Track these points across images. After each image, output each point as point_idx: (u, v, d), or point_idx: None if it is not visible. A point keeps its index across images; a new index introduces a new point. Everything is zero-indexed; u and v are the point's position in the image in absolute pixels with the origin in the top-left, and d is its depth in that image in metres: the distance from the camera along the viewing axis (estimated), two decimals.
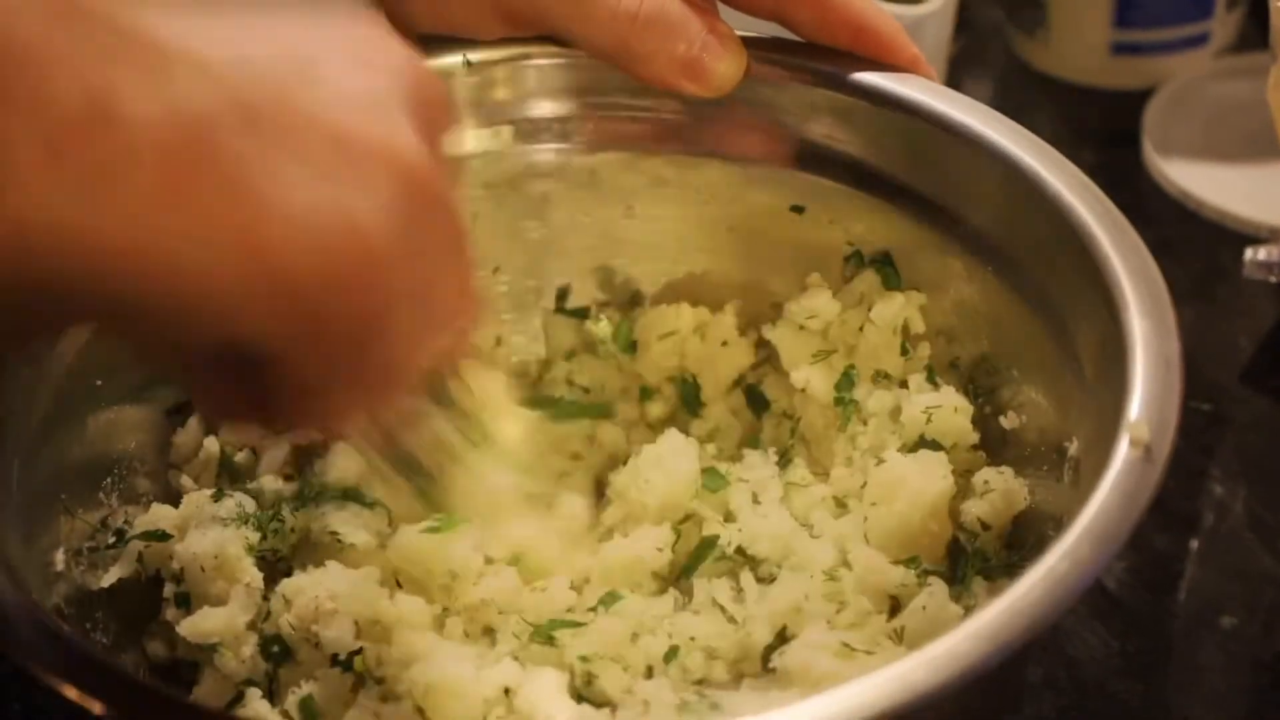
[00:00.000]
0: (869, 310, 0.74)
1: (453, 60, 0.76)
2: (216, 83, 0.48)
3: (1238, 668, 0.77)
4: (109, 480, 0.71)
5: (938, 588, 0.67)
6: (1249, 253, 0.90)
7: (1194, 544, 0.82)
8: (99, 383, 0.70)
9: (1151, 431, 0.58)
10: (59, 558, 0.67)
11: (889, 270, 0.75)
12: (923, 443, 0.71)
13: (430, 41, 0.76)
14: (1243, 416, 0.87)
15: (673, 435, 0.74)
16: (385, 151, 0.50)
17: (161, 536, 0.70)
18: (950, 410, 0.72)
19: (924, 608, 0.66)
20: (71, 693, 0.54)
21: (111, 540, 0.70)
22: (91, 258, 0.47)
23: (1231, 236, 0.96)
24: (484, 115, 0.77)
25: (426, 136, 0.52)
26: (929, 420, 0.71)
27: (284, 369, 0.52)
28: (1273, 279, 0.89)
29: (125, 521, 0.71)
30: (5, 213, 0.45)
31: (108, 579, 0.68)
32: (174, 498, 0.73)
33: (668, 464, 0.73)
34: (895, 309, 0.74)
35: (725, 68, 0.72)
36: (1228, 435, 0.86)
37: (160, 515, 0.71)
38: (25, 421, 0.67)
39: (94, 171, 0.46)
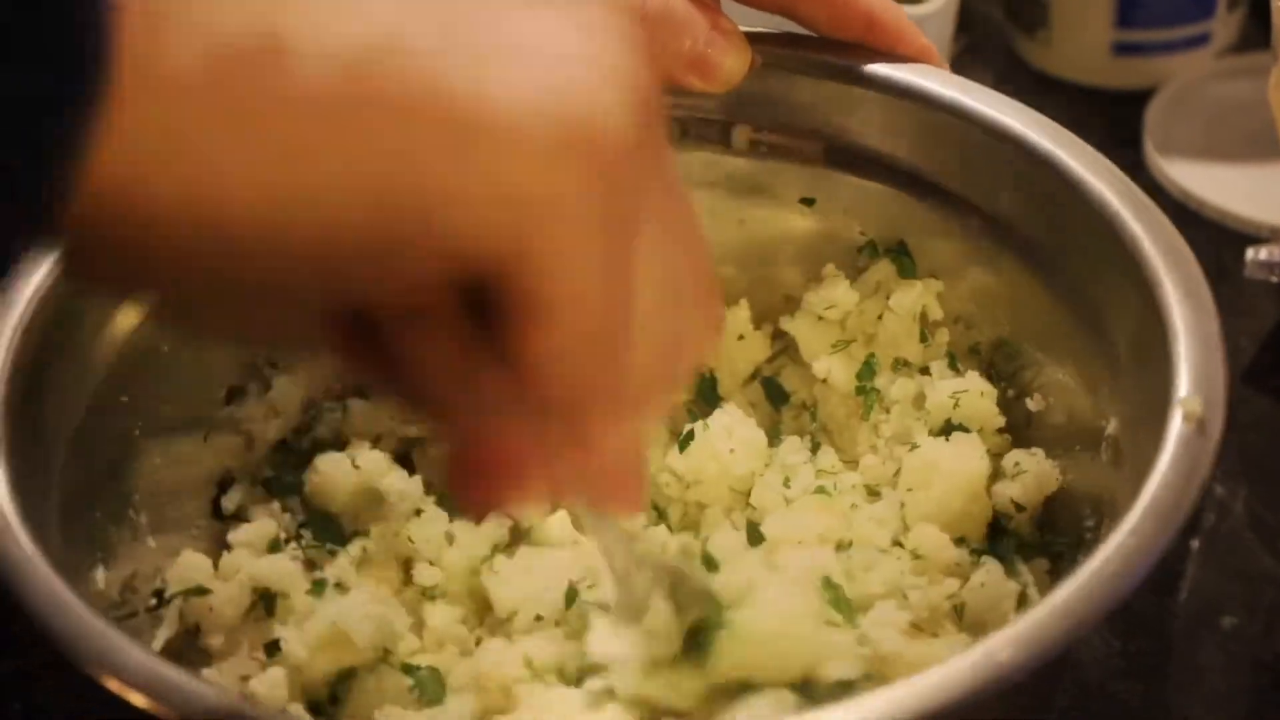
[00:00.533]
0: (887, 299, 0.74)
1: None
2: (410, 6, 0.43)
3: (1238, 668, 0.77)
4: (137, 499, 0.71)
5: (992, 565, 0.67)
6: (1250, 253, 0.90)
7: (1194, 544, 0.82)
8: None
9: (1203, 407, 0.58)
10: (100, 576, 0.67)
11: (905, 259, 0.75)
12: (949, 428, 0.72)
13: None
14: (1244, 416, 0.87)
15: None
16: (612, 74, 0.45)
17: (200, 591, 0.69)
18: (976, 394, 0.72)
19: (982, 584, 0.66)
20: (113, 684, 0.54)
21: (152, 603, 0.69)
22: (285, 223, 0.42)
23: (1233, 236, 0.96)
24: None
25: (650, 79, 0.47)
26: (956, 405, 0.71)
27: (534, 306, 0.45)
28: (1274, 279, 0.89)
29: (158, 571, 0.70)
30: (184, 172, 0.41)
31: (156, 643, 0.68)
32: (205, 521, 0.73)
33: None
34: (913, 297, 0.74)
35: (731, 62, 0.72)
36: (1229, 435, 0.86)
37: (193, 566, 0.70)
38: (69, 420, 0.67)
39: (255, 109, 0.41)
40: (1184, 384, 0.59)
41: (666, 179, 0.48)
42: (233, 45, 0.41)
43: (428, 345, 0.47)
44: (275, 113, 0.42)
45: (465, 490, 0.50)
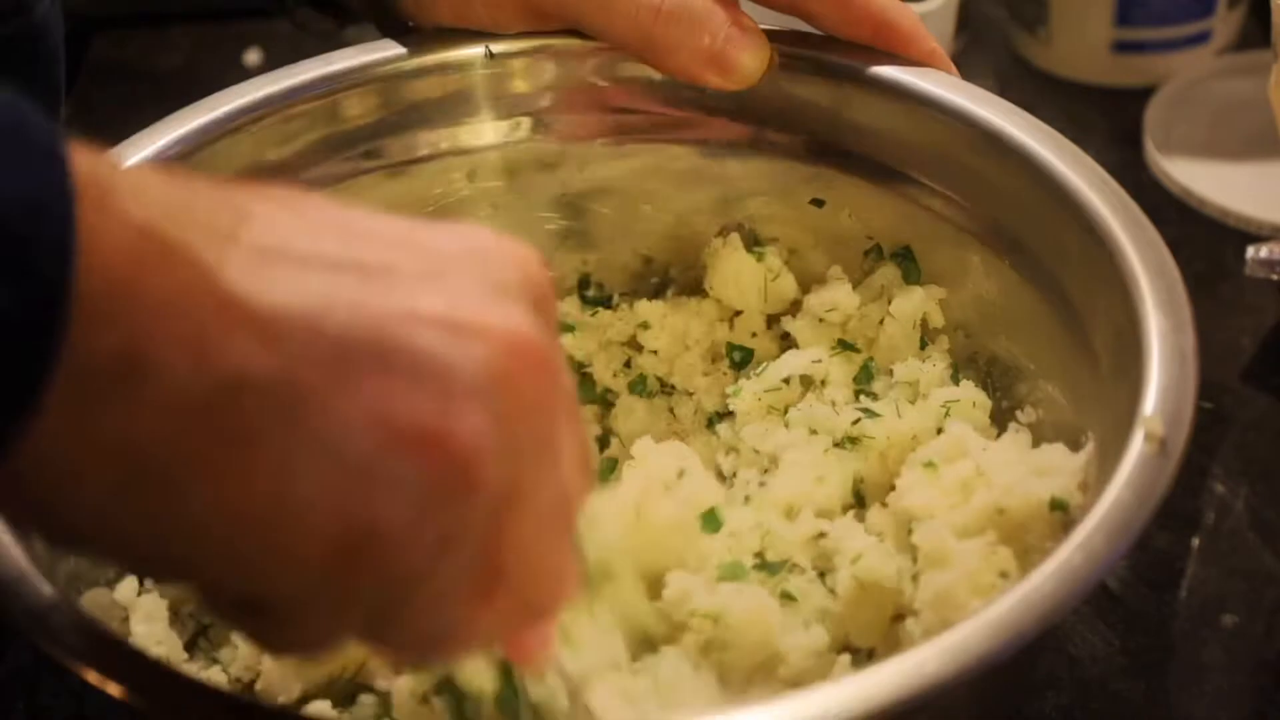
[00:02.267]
0: (889, 303, 0.74)
1: (474, 52, 0.76)
2: (268, 343, 0.45)
3: (1239, 666, 0.77)
4: None
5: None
6: (1251, 251, 0.90)
7: (1195, 542, 0.82)
8: None
9: (1166, 426, 0.58)
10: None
11: (909, 264, 0.75)
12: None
13: (452, 34, 0.76)
14: (1244, 415, 0.87)
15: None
16: (423, 433, 0.47)
17: None
18: (968, 405, 0.72)
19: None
20: (92, 676, 0.54)
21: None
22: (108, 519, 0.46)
23: (1233, 235, 0.96)
24: (504, 107, 0.77)
25: (507, 411, 0.48)
26: (947, 414, 0.71)
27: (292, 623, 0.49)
28: (1275, 277, 0.89)
29: None
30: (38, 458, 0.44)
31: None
32: None
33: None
34: (915, 303, 0.74)
35: (750, 60, 0.72)
36: (1229, 434, 0.86)
37: None
38: None
39: (117, 426, 0.44)
40: (1151, 402, 0.59)
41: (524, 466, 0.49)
42: (101, 372, 0.43)
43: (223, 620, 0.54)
44: (114, 458, 0.44)
45: None
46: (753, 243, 0.78)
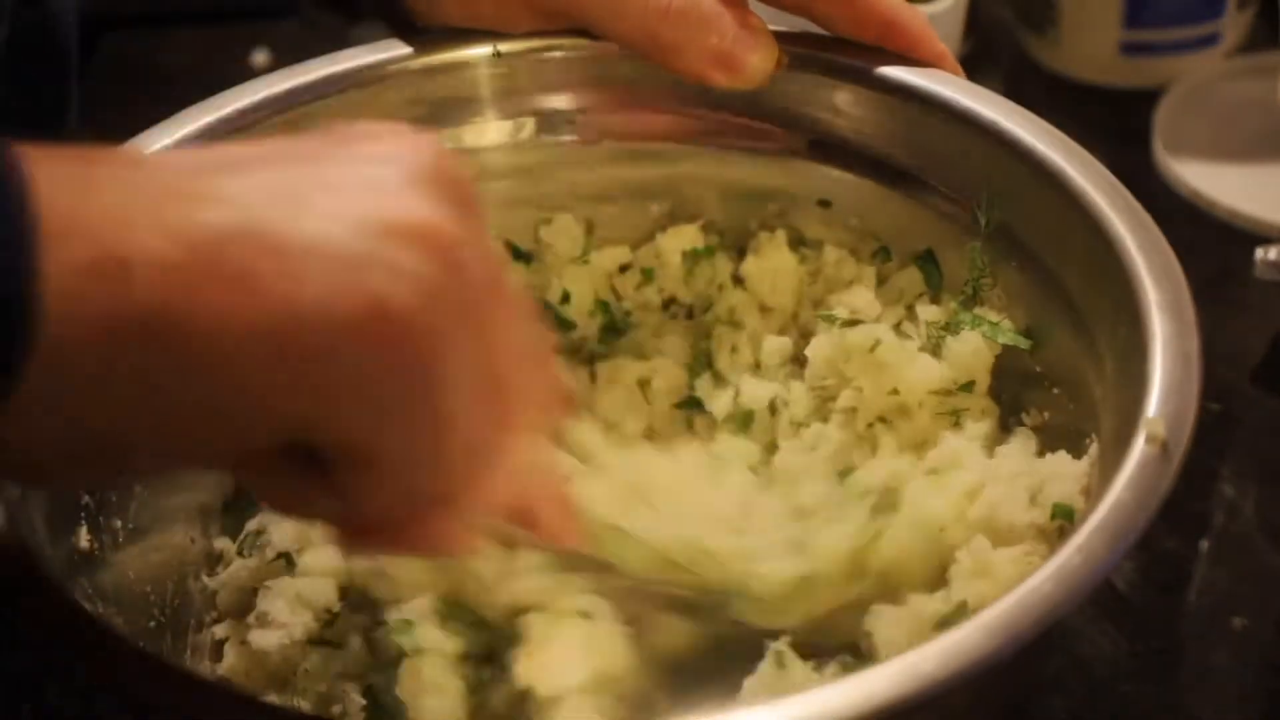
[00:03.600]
0: (908, 308, 0.74)
1: (481, 51, 0.76)
2: (226, 203, 0.48)
3: (1248, 669, 0.77)
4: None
5: None
6: (1260, 253, 0.90)
7: (1204, 545, 0.82)
8: None
9: (1168, 429, 0.58)
10: (82, 535, 0.67)
11: (930, 267, 0.75)
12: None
13: (460, 34, 0.76)
14: (1253, 417, 0.87)
15: None
16: (406, 222, 0.50)
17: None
18: (976, 411, 0.72)
19: None
20: (94, 673, 0.54)
21: None
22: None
23: (1242, 237, 0.96)
24: (510, 107, 0.77)
25: (455, 205, 0.51)
26: (955, 422, 0.71)
27: (355, 459, 0.51)
28: None
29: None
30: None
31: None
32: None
33: None
34: (933, 315, 0.74)
35: (758, 60, 0.72)
36: (1238, 436, 0.86)
37: None
38: None
39: (109, 309, 0.47)
40: (1153, 404, 0.59)
41: (478, 298, 0.51)
42: (84, 272, 0.46)
43: (269, 486, 0.54)
44: (116, 343, 0.47)
45: (345, 545, 0.59)
46: (798, 244, 0.78)
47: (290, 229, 0.48)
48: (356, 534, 0.55)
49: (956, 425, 0.72)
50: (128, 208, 0.47)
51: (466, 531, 0.56)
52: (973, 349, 0.72)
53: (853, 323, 0.74)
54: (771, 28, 0.73)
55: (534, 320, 0.56)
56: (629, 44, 0.73)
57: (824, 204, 0.77)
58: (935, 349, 0.73)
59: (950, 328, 0.73)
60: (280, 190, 0.49)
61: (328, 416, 0.49)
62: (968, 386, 0.72)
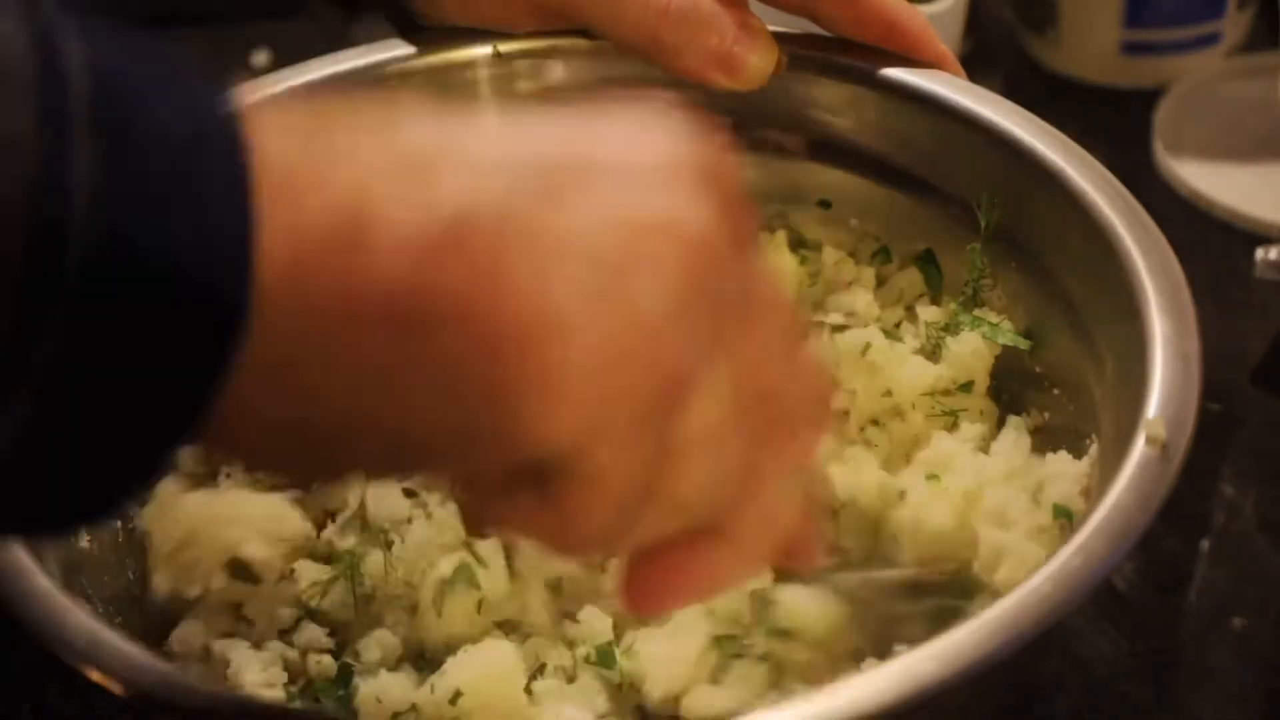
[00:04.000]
0: (907, 309, 0.74)
1: (481, 51, 0.76)
2: (479, 180, 0.44)
3: (1249, 669, 0.77)
4: None
5: None
6: (1260, 253, 0.90)
7: (1205, 545, 0.81)
8: None
9: (1168, 430, 0.58)
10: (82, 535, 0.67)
11: (930, 268, 0.75)
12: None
13: (460, 34, 0.76)
14: (1254, 417, 0.87)
15: None
16: (666, 227, 0.45)
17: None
18: (975, 413, 0.72)
19: None
20: (95, 675, 0.54)
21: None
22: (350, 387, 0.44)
23: (1243, 237, 0.96)
24: (511, 107, 0.77)
25: (720, 208, 0.47)
26: (955, 423, 0.71)
27: (589, 478, 0.46)
28: None
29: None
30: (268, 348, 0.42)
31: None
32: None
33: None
34: (933, 315, 0.74)
35: (758, 60, 0.72)
36: (1239, 436, 0.86)
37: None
38: None
39: (344, 284, 0.43)
40: (1153, 405, 0.59)
41: (739, 310, 0.48)
42: (317, 240, 0.43)
43: (489, 504, 0.49)
44: (350, 326, 0.43)
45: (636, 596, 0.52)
46: (798, 245, 0.78)
47: (545, 222, 0.44)
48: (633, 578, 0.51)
49: (954, 427, 0.72)
50: (367, 171, 0.43)
51: (738, 564, 0.52)
52: (972, 349, 0.72)
53: (842, 328, 0.74)
54: (772, 28, 0.73)
55: (804, 332, 0.52)
56: (629, 45, 0.73)
57: (824, 204, 0.77)
58: (935, 350, 0.73)
59: (950, 328, 0.72)
60: (535, 173, 0.45)
61: (570, 442, 0.45)
62: (966, 387, 0.72)
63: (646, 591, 0.51)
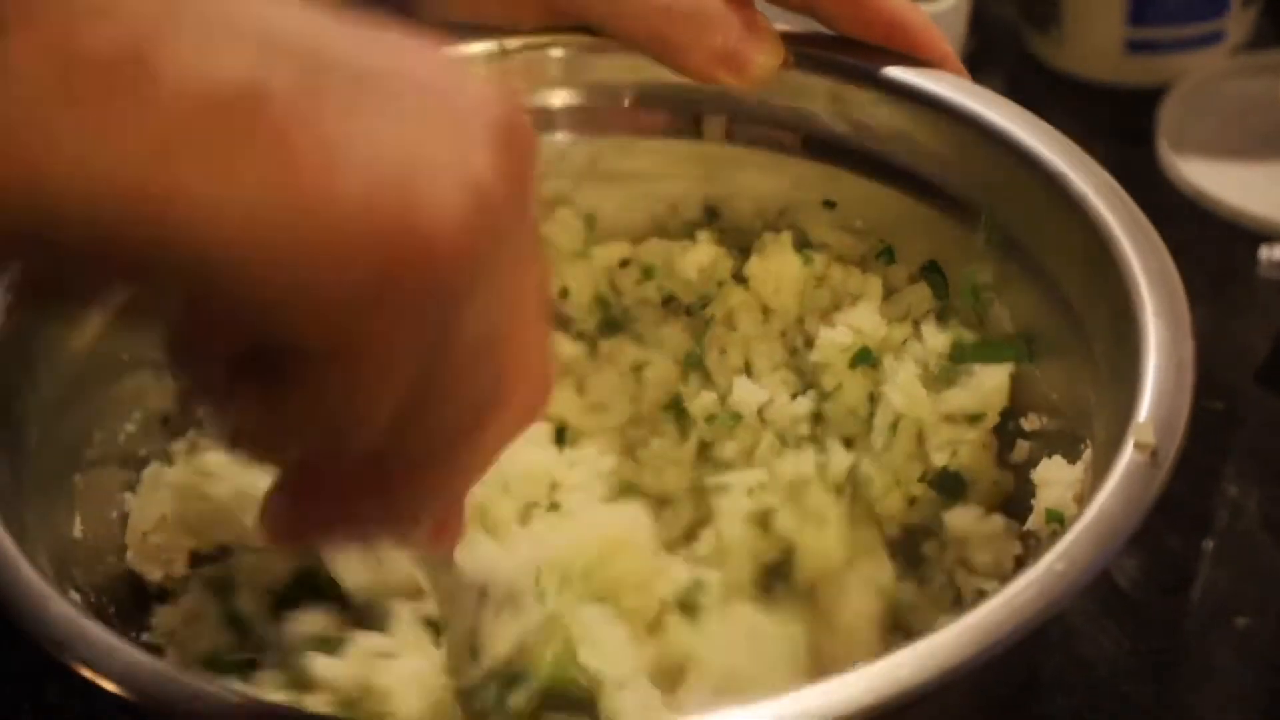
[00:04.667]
0: (915, 324, 0.74)
1: (485, 48, 0.76)
2: (279, 60, 0.44)
3: (1252, 668, 0.77)
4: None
5: None
6: (1264, 252, 0.90)
7: (1207, 544, 0.81)
8: (124, 357, 0.70)
9: (1158, 435, 0.58)
10: (76, 525, 0.67)
11: (937, 277, 0.75)
12: (945, 476, 0.72)
13: (464, 30, 0.76)
14: (1256, 416, 0.87)
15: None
16: (449, 164, 0.45)
17: None
18: (978, 446, 0.72)
19: None
20: (88, 673, 0.54)
21: None
22: (110, 209, 0.42)
23: (1246, 235, 0.96)
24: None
25: (507, 168, 0.47)
26: (954, 454, 0.71)
27: (333, 385, 0.46)
28: None
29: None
30: (18, 153, 0.41)
31: None
32: None
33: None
34: (941, 344, 0.73)
35: (763, 59, 0.72)
36: (1241, 435, 0.86)
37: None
38: (46, 391, 0.67)
39: (114, 115, 0.42)
40: (1144, 409, 0.59)
41: (508, 258, 0.47)
42: (92, 59, 0.42)
43: (224, 374, 0.48)
44: (146, 120, 0.42)
45: (279, 514, 0.51)
46: (803, 245, 0.78)
47: (334, 122, 0.44)
48: (311, 494, 0.50)
49: (955, 456, 0.72)
50: (163, 11, 0.43)
51: (450, 513, 0.53)
52: (993, 385, 0.71)
53: (858, 356, 0.74)
54: (777, 27, 0.73)
55: (548, 300, 0.53)
56: (634, 42, 0.73)
57: (829, 205, 0.77)
58: (945, 380, 0.73)
59: (956, 354, 0.72)
60: (339, 75, 0.44)
61: (326, 334, 0.44)
62: (977, 418, 0.72)
63: (294, 515, 0.51)
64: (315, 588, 0.67)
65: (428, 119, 0.45)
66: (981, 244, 0.72)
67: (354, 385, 0.46)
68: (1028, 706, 0.73)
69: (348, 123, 0.44)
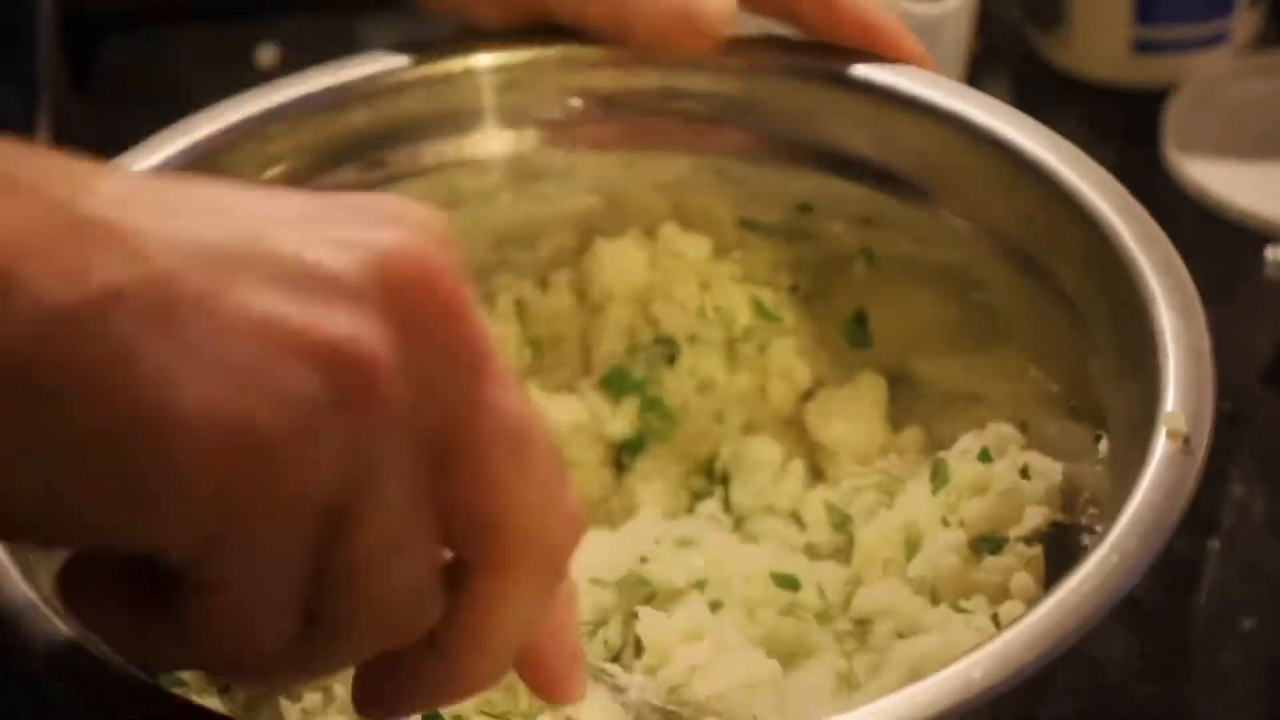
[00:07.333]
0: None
1: (484, 60, 0.76)
2: (143, 258, 0.43)
3: (1258, 670, 0.77)
4: None
5: None
6: (1270, 252, 0.90)
7: (1214, 545, 0.81)
8: None
9: (1188, 424, 0.58)
10: None
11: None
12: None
13: (460, 43, 0.76)
14: (1262, 417, 0.87)
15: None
16: (313, 339, 0.43)
17: None
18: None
19: None
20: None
21: None
22: None
23: (1252, 236, 0.96)
24: (511, 116, 0.77)
25: (409, 331, 0.45)
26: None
27: (210, 587, 0.45)
28: None
29: None
30: None
31: None
32: None
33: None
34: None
35: (716, 5, 0.72)
36: (1247, 436, 0.86)
37: None
38: None
39: None
40: (1170, 400, 0.59)
41: (403, 436, 0.45)
42: None
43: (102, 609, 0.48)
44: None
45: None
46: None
47: (191, 314, 0.43)
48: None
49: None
50: (27, 226, 0.42)
51: (455, 679, 0.50)
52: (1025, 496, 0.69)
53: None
54: (768, 34, 0.74)
55: (550, 459, 0.48)
56: (594, 28, 0.74)
57: (805, 208, 0.76)
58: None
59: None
60: (204, 261, 0.43)
61: (167, 530, 0.44)
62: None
63: (371, 699, 0.51)
64: None
65: (289, 293, 0.44)
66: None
67: (233, 605, 0.45)
68: (1035, 709, 0.73)
69: (196, 323, 0.43)
